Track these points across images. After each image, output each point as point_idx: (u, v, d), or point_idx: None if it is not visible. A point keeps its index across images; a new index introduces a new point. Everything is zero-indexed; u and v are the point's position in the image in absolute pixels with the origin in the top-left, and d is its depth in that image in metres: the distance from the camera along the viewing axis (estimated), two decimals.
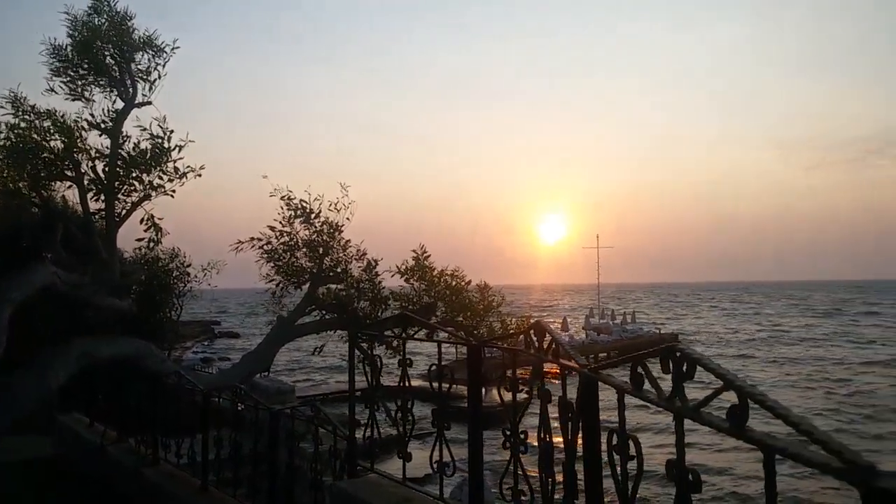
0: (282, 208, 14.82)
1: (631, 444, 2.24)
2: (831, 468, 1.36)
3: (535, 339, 3.23)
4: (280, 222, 14.86)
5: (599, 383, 2.57)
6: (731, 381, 1.64)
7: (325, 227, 14.78)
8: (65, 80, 12.41)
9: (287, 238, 14.87)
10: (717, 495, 18.11)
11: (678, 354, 1.85)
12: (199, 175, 13.07)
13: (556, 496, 3.02)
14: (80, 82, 12.49)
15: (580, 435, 2.70)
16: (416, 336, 4.52)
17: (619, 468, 2.30)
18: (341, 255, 15.06)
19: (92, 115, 12.47)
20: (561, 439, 2.89)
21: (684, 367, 1.85)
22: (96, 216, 12.67)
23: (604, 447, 2.50)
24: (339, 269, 14.92)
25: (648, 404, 2.17)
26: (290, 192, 14.82)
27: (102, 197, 12.43)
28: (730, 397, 1.71)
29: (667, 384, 2.02)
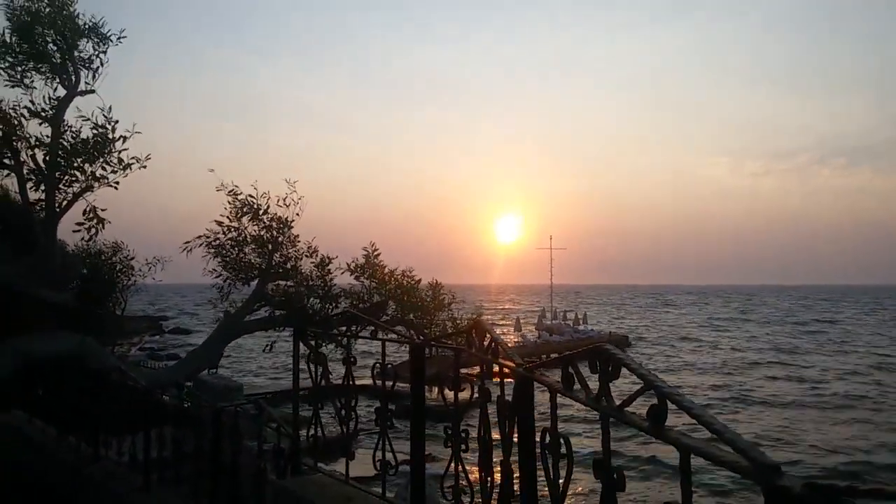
0: (229, 203, 14.55)
1: (562, 442, 2.29)
2: (739, 467, 1.42)
3: (476, 338, 3.27)
4: (227, 217, 14.58)
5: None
6: (651, 382, 1.69)
7: (273, 222, 14.57)
8: (3, 65, 11.98)
9: (235, 234, 14.60)
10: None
11: (604, 356, 1.91)
12: (145, 166, 12.76)
13: (495, 493, 3.06)
14: (19, 68, 12.07)
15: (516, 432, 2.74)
16: (361, 334, 4.52)
17: (550, 466, 2.35)
18: (291, 250, 14.87)
19: (32, 103, 12.06)
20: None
21: (610, 368, 1.90)
22: (36, 206, 12.25)
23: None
24: (288, 266, 14.74)
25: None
26: (237, 187, 14.57)
27: (42, 187, 12.04)
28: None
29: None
